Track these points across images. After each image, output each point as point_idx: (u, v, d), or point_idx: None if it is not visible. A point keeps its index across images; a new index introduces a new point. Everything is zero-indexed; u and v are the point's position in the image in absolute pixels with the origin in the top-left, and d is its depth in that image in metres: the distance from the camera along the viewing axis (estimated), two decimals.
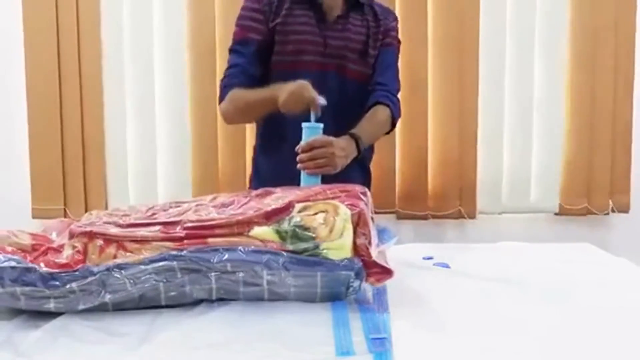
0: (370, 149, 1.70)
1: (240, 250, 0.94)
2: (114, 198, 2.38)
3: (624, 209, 2.46)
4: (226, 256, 0.94)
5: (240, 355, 0.82)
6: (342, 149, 1.42)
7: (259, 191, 1.22)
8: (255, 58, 1.57)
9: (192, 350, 0.84)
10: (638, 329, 0.94)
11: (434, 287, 1.13)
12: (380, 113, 1.60)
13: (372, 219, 1.06)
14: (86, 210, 2.35)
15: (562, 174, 2.45)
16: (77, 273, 0.93)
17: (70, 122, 2.34)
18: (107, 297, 0.94)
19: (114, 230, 1.02)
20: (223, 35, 2.28)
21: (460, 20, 2.36)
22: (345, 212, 1.01)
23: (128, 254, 0.98)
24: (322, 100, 1.37)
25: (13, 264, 0.94)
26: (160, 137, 2.39)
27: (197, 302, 0.98)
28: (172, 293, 0.96)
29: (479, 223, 2.45)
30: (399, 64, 1.72)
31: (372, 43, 1.63)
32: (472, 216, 2.43)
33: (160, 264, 0.93)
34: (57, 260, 0.99)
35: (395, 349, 0.82)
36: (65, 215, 2.33)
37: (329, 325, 0.89)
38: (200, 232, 0.99)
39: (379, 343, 0.83)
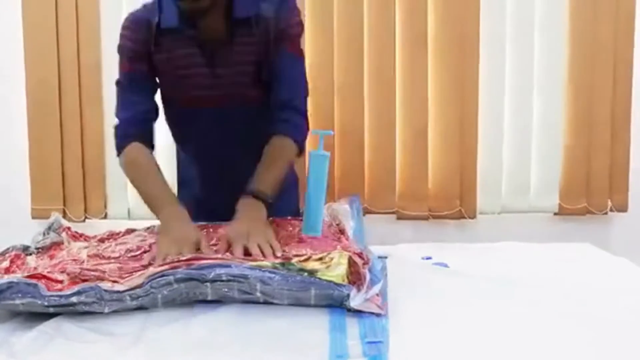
0: None
1: (234, 267, 0.97)
2: (114, 199, 2.38)
3: (622, 208, 2.46)
4: (221, 271, 0.96)
5: (234, 356, 0.82)
6: (262, 224, 1.24)
7: None
8: (147, 91, 1.50)
9: (185, 351, 0.84)
10: (637, 329, 0.93)
11: (432, 287, 1.12)
12: (279, 149, 1.39)
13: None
14: (85, 211, 2.36)
15: (562, 174, 2.45)
16: (75, 289, 0.95)
17: (70, 122, 2.34)
18: (106, 309, 0.95)
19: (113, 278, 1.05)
20: None
21: (461, 20, 2.36)
22: (340, 250, 1.03)
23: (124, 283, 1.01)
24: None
25: (14, 280, 0.96)
26: (160, 138, 2.37)
27: (192, 303, 0.98)
28: (169, 299, 0.98)
29: (479, 223, 2.44)
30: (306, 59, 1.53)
31: (266, 61, 1.42)
32: (472, 216, 2.42)
33: (157, 279, 0.96)
34: (54, 285, 1.02)
35: (391, 350, 0.82)
36: (65, 216, 2.33)
37: (325, 328, 0.89)
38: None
39: (374, 347, 0.82)
